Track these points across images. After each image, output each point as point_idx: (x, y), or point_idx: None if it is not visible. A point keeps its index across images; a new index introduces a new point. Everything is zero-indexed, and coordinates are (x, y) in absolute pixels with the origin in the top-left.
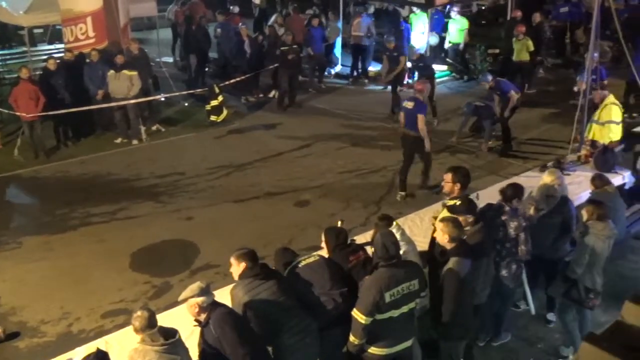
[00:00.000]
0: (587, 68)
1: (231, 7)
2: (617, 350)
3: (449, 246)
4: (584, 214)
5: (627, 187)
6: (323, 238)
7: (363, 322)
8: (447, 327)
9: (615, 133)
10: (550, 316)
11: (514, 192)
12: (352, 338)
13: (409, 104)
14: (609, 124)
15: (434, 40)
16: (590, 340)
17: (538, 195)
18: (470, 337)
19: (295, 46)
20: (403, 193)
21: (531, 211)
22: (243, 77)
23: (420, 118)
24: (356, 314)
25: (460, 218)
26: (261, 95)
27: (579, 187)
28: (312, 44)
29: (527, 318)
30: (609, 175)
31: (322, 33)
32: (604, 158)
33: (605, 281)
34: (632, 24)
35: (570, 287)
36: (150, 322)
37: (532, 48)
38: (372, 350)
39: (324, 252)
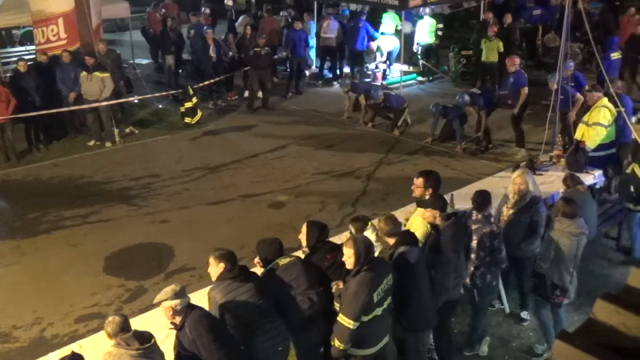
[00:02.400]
0: (559, 67)
1: (203, 9)
2: (589, 347)
3: (390, 241)
4: (556, 212)
5: (597, 186)
6: (304, 230)
7: (351, 327)
8: (409, 319)
9: (600, 136)
10: (524, 314)
11: (484, 198)
12: (337, 343)
13: None
14: (595, 126)
15: (408, 28)
16: (563, 338)
17: (511, 196)
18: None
19: (267, 48)
20: None
21: (503, 212)
22: (214, 80)
23: None
24: (343, 319)
25: (429, 213)
26: (235, 97)
27: (551, 186)
28: (293, 47)
29: (501, 316)
30: (581, 175)
31: (305, 36)
32: (576, 158)
33: (578, 279)
34: (602, 25)
35: (538, 283)
36: (124, 327)
37: (502, 49)
38: (356, 352)
39: (300, 253)
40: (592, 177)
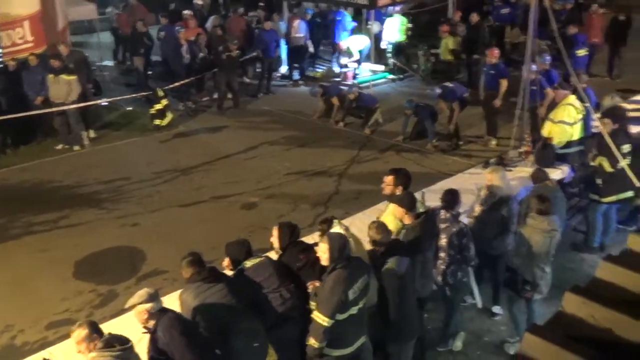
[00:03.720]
0: (526, 64)
1: (184, 12)
2: (559, 339)
3: (379, 250)
4: (524, 206)
5: (566, 181)
6: (275, 233)
7: (326, 324)
8: (394, 329)
9: (565, 134)
10: (496, 309)
11: (452, 197)
12: (312, 341)
13: None
14: (560, 124)
15: (377, 28)
16: (533, 331)
17: (483, 194)
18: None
19: (234, 48)
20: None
21: (476, 209)
22: (184, 82)
23: None
24: (318, 317)
25: (400, 211)
26: (206, 99)
27: (520, 182)
28: (264, 48)
29: (473, 312)
30: (549, 170)
31: (276, 37)
32: (544, 153)
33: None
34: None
35: (511, 277)
36: (96, 330)
37: (450, 47)
38: (332, 352)
39: (272, 254)
40: (561, 172)
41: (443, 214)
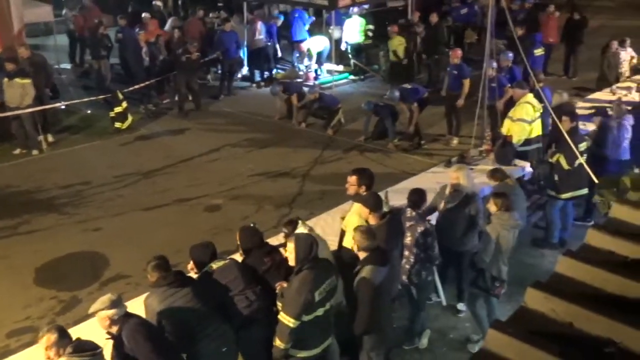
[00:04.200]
0: (485, 63)
1: (143, 14)
2: (522, 335)
3: (361, 255)
4: (491, 206)
5: (526, 178)
6: (237, 238)
7: (292, 325)
8: (366, 334)
9: (524, 132)
10: (460, 306)
11: (419, 197)
12: (277, 342)
13: None
14: (519, 122)
15: (338, 33)
16: (497, 327)
17: (447, 192)
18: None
19: (194, 50)
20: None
21: (441, 207)
22: (144, 84)
23: None
24: (284, 317)
25: (365, 211)
26: (167, 101)
27: (481, 180)
28: (224, 49)
29: (438, 309)
30: (509, 168)
31: (236, 38)
32: (503, 152)
33: (509, 270)
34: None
35: (477, 276)
36: (65, 335)
37: (393, 47)
38: (298, 353)
39: (237, 256)
40: (521, 170)
41: (409, 212)
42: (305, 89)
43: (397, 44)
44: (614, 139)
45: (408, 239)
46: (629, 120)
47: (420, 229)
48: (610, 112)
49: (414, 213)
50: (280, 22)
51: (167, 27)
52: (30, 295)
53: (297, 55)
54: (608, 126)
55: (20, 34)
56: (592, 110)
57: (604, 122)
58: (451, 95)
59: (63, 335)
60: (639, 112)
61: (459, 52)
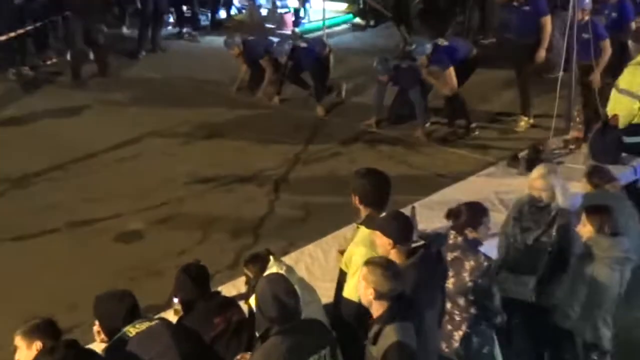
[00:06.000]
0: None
1: None
2: None
3: (377, 308)
4: (583, 228)
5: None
6: (174, 285)
7: None
8: None
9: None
10: None
11: (473, 215)
12: None
13: None
14: (626, 94)
15: None
16: None
17: (526, 209)
18: None
19: None
20: None
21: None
22: (15, 34)
23: None
24: None
25: (385, 242)
26: (53, 61)
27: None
28: None
29: None
30: (613, 168)
31: None
32: (604, 141)
33: (616, 332)
34: None
35: (562, 342)
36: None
37: None
38: None
39: (170, 314)
40: (631, 172)
41: (452, 237)
42: (283, 45)
43: None
44: None
45: (450, 282)
46: None
47: (470, 264)
48: None
49: (459, 238)
50: None
51: None
52: None
53: None
54: None
55: None
56: None
57: None
58: (523, 46)
59: None
60: None
61: None
